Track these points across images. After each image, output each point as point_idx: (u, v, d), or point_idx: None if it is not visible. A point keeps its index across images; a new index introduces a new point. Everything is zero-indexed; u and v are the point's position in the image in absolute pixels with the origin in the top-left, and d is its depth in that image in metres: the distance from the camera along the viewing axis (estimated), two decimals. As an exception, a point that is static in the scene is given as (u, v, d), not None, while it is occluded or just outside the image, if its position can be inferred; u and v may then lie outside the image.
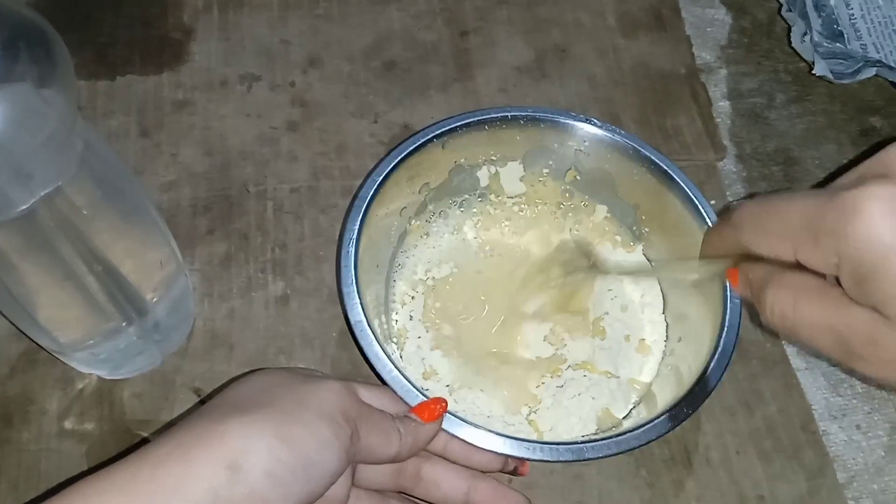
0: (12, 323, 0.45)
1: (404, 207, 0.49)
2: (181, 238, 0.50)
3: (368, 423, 0.36)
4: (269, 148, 0.57)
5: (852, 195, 0.26)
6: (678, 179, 0.47)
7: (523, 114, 0.49)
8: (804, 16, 0.63)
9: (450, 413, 0.40)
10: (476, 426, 0.40)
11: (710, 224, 0.46)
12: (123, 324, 0.43)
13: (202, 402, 0.47)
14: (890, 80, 0.62)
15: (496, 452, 0.40)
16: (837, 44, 0.63)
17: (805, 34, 0.63)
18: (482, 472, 0.42)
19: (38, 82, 0.32)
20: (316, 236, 0.53)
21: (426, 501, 0.42)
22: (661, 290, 0.51)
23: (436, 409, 0.39)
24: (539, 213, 0.53)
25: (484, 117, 0.48)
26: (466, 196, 0.52)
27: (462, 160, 0.50)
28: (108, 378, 0.47)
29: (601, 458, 0.40)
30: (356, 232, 0.44)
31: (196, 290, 0.51)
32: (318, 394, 0.35)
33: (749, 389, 0.49)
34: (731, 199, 0.57)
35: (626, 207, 0.51)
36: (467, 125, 0.48)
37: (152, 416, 0.47)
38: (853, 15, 0.64)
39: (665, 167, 0.48)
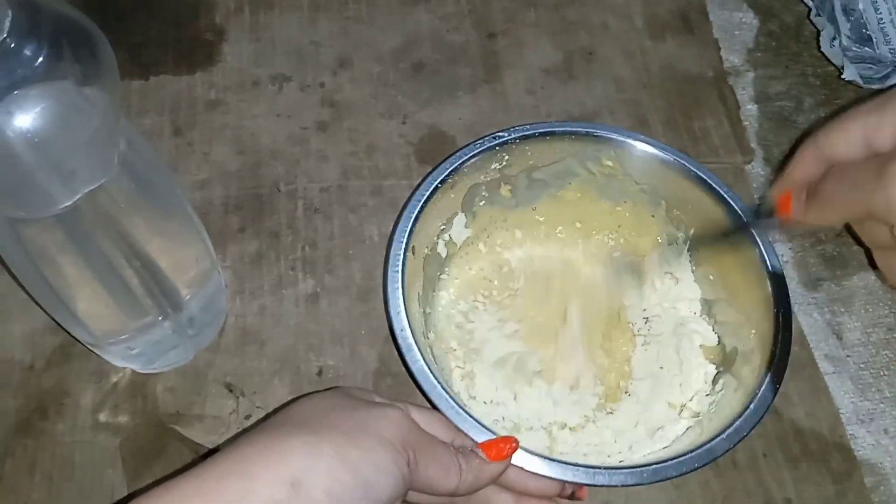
0: (50, 316, 0.45)
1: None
2: (213, 236, 0.51)
3: (428, 455, 0.36)
4: (299, 148, 0.57)
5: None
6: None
7: (445, 173, 0.48)
8: (833, 20, 0.63)
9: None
10: (531, 453, 0.39)
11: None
12: (159, 318, 0.43)
13: (232, 395, 0.48)
14: (919, 84, 0.61)
15: (560, 480, 0.39)
16: (866, 48, 0.62)
17: (834, 38, 0.62)
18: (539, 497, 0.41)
19: (81, 80, 0.32)
20: (345, 235, 0.54)
21: None
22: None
23: (504, 448, 0.38)
24: (494, 239, 0.53)
25: (420, 201, 0.47)
26: (439, 273, 0.51)
27: (425, 250, 0.49)
28: (141, 372, 0.48)
29: (669, 479, 0.40)
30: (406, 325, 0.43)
31: (228, 287, 0.51)
32: (379, 420, 0.35)
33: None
34: (758, 204, 0.57)
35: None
36: (416, 218, 0.47)
37: (184, 409, 0.47)
38: (882, 19, 0.63)
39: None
